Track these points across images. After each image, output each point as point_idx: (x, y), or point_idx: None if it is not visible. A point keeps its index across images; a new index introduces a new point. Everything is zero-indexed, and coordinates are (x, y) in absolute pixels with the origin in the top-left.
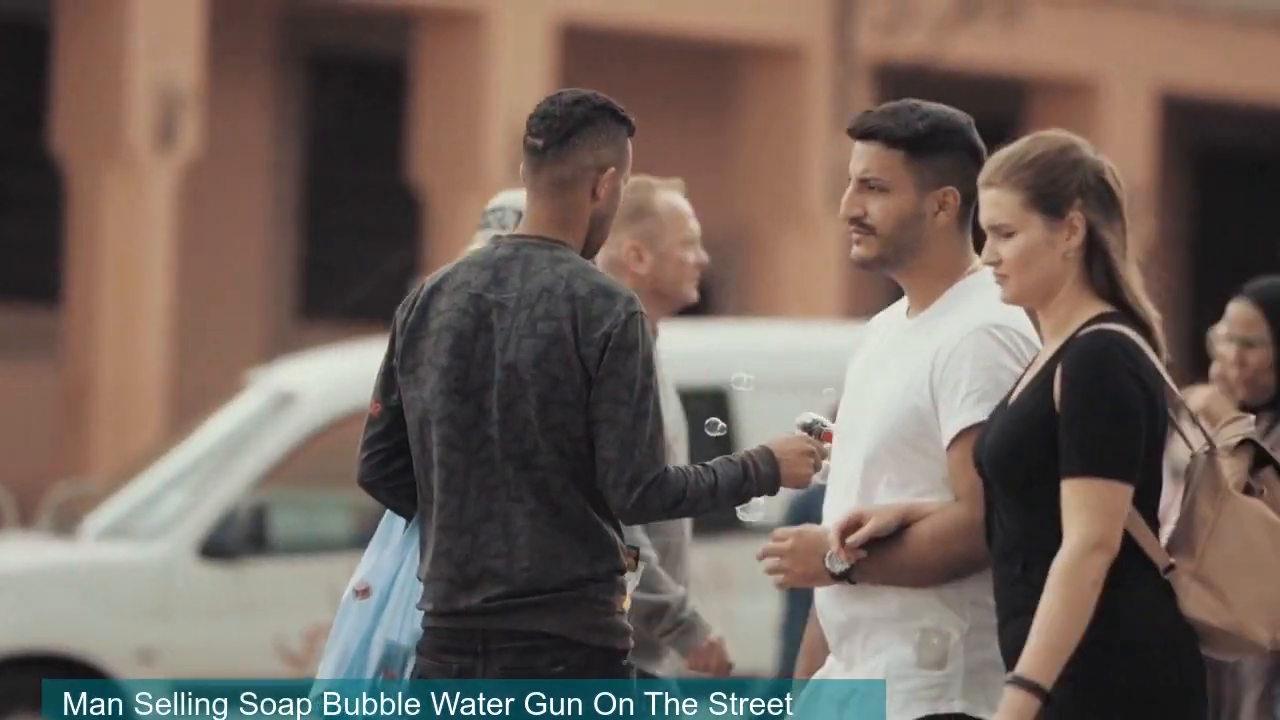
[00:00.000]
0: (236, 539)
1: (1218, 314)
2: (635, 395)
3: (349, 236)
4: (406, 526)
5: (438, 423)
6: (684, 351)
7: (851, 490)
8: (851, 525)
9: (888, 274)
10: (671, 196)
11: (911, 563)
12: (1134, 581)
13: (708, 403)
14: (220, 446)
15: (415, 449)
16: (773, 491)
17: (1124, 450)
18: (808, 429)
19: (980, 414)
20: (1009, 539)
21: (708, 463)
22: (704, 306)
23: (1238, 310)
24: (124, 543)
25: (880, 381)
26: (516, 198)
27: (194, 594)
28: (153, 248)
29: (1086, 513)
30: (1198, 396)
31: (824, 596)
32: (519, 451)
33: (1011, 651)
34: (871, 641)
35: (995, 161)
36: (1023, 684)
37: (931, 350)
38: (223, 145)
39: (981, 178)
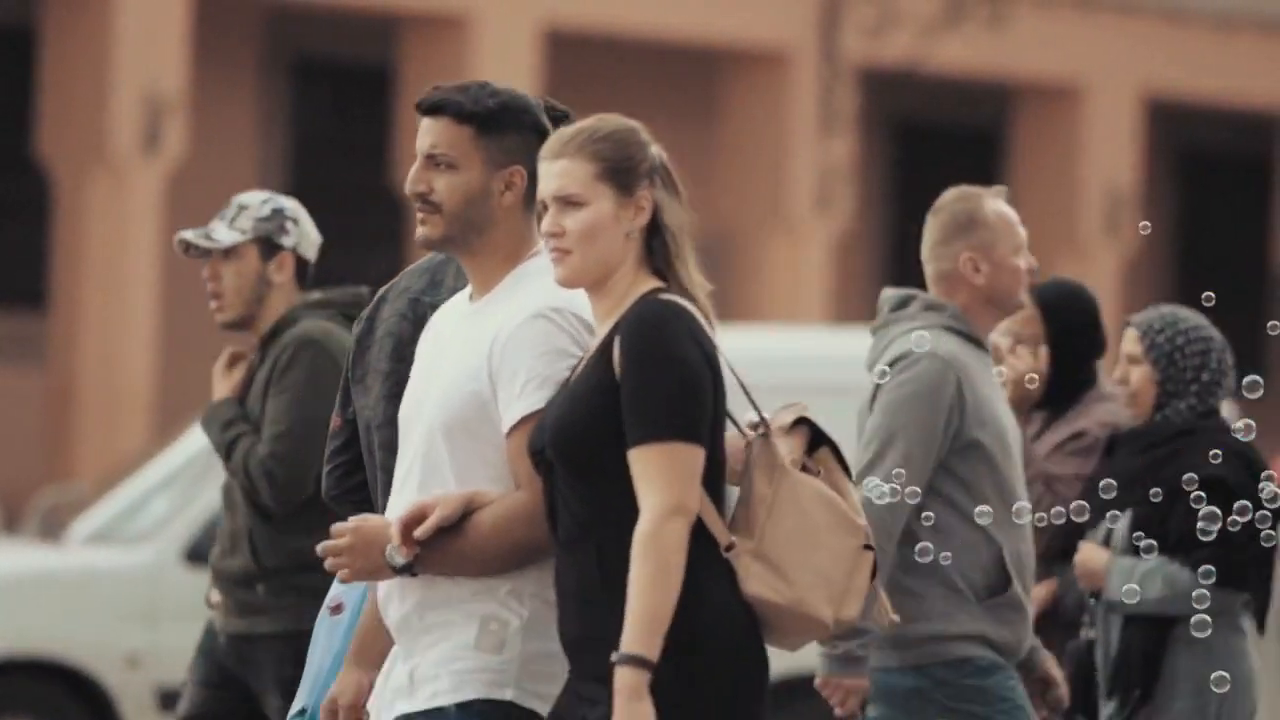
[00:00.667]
0: None
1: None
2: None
3: (334, 241)
4: None
5: (378, 429)
6: None
7: (412, 479)
8: (415, 518)
9: (452, 254)
10: (999, 204)
11: (473, 553)
12: (696, 563)
13: None
14: (206, 452)
15: (366, 458)
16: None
17: (690, 411)
18: (754, 427)
19: (538, 401)
20: (578, 524)
21: None
22: None
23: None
24: (110, 548)
25: (443, 367)
26: (246, 198)
27: (180, 598)
28: (138, 252)
29: (659, 479)
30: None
31: (385, 589)
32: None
33: (577, 640)
34: (432, 631)
35: (564, 135)
36: (628, 661)
37: (490, 336)
38: (208, 150)
39: (547, 150)
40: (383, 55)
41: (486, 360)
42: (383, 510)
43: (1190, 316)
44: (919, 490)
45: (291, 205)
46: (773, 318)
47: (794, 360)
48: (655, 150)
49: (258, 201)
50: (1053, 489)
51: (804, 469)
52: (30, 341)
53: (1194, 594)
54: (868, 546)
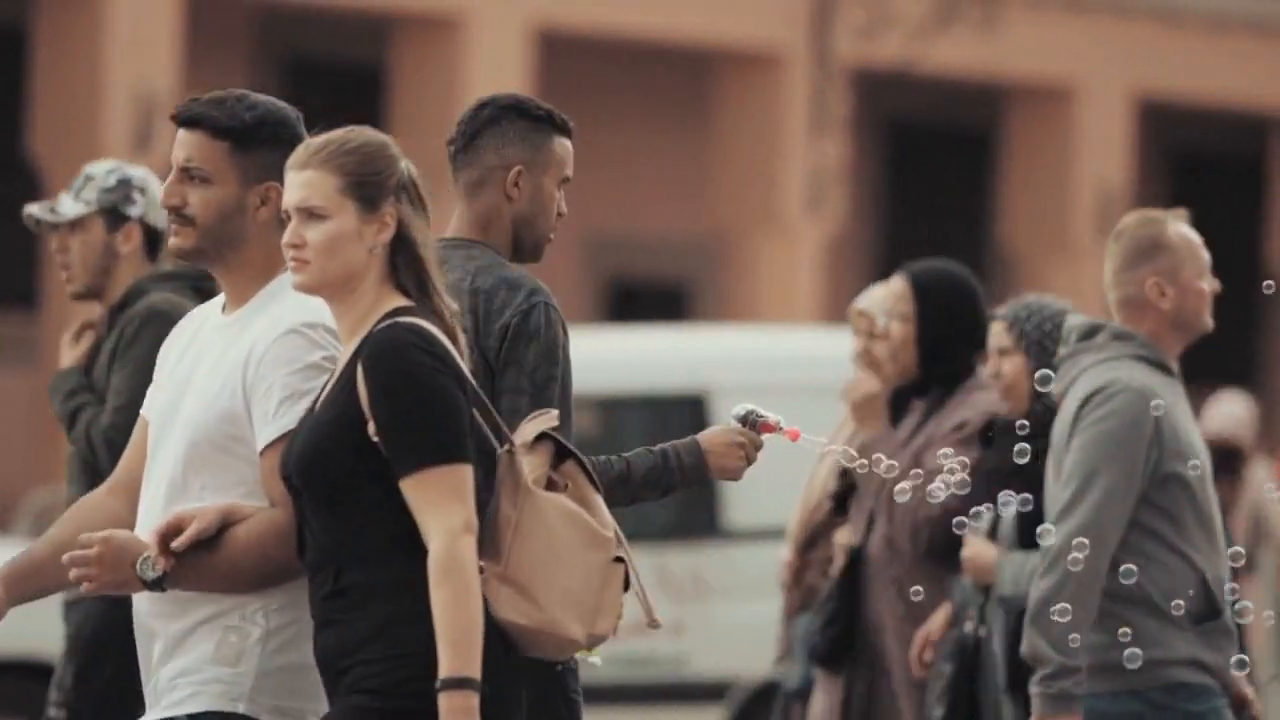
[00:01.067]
0: None
1: None
2: (537, 384)
3: None
4: None
5: None
6: (660, 356)
7: (162, 491)
8: (173, 530)
9: (205, 267)
10: (1181, 227)
11: (226, 568)
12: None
13: (685, 408)
14: None
15: None
16: (699, 482)
17: (452, 431)
18: (742, 420)
19: (291, 421)
20: (321, 550)
21: (623, 454)
22: (681, 311)
23: (893, 286)
24: None
25: (196, 380)
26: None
27: None
28: None
29: (442, 502)
30: (858, 386)
31: (140, 602)
32: None
33: (324, 662)
34: (178, 642)
35: (311, 146)
36: (451, 685)
37: (245, 351)
38: None
39: (293, 160)
40: (375, 56)
41: (241, 376)
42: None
43: (1055, 303)
44: (1088, 541)
45: (140, 174)
46: (765, 318)
47: (787, 361)
48: (405, 165)
49: (103, 172)
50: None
51: (551, 484)
52: (22, 342)
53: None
54: (618, 559)
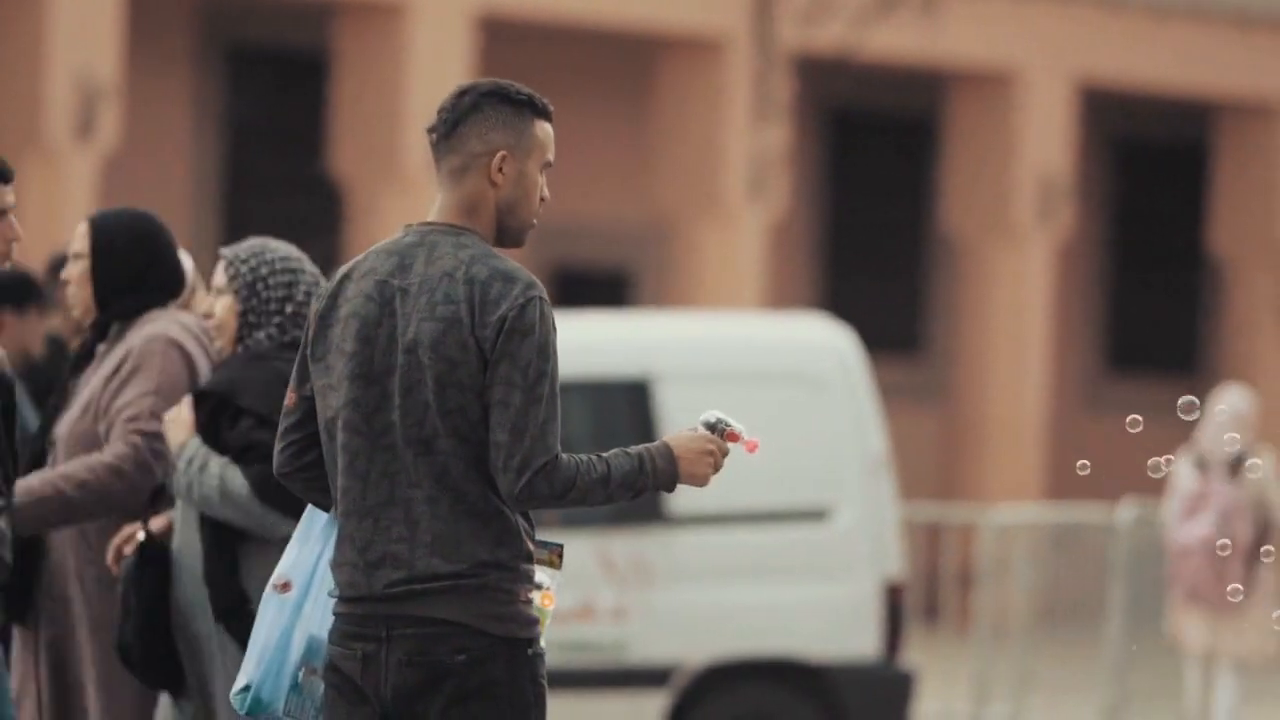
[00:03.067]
0: None
1: (1139, 305)
2: (529, 380)
3: (269, 228)
4: (328, 519)
5: (342, 408)
6: (603, 342)
7: None
8: None
9: None
10: None
11: None
12: None
13: (628, 393)
14: None
15: (324, 436)
16: (669, 488)
17: None
18: (711, 427)
19: None
20: None
21: (602, 454)
22: (622, 297)
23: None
24: None
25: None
26: None
27: None
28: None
29: None
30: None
31: None
32: (419, 437)
33: None
34: None
35: None
36: None
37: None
38: (142, 137)
39: None
40: (318, 42)
41: None
42: (338, 487)
43: (280, 247)
44: None
45: None
46: (707, 304)
47: (729, 347)
48: None
49: None
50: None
51: None
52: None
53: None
54: None
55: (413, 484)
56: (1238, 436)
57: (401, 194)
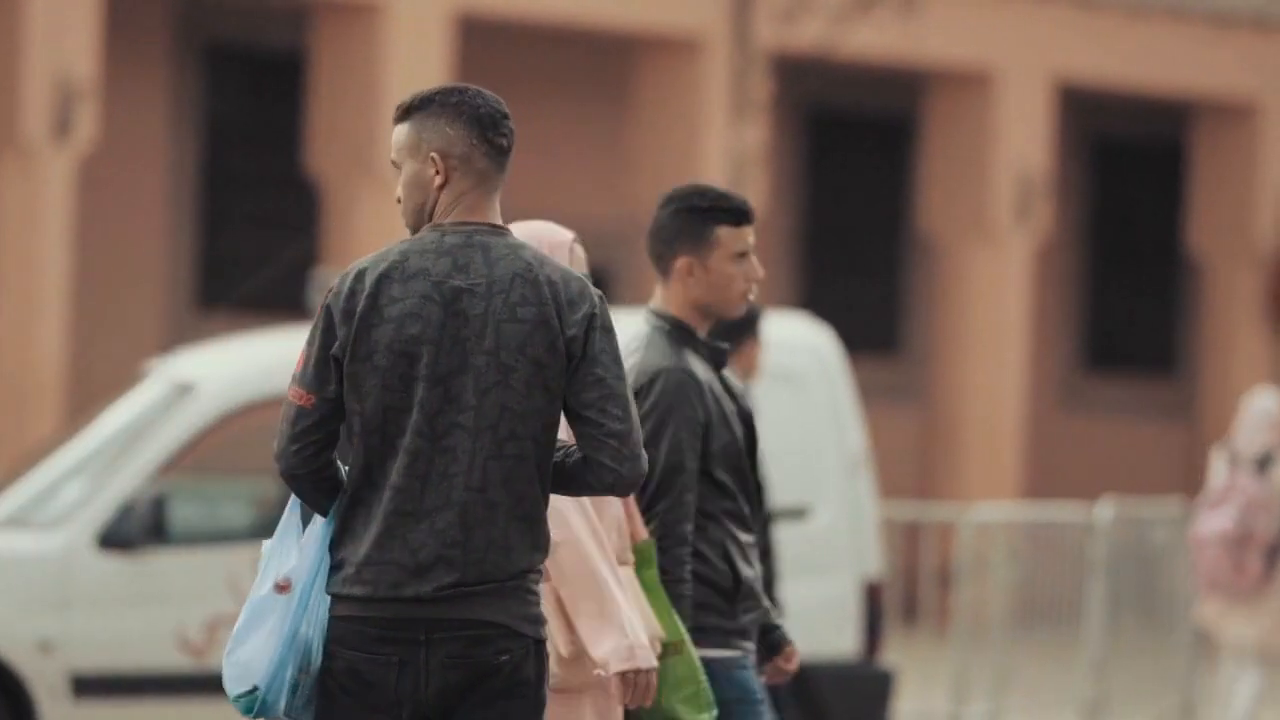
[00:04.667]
0: (135, 529)
1: (1117, 304)
2: (622, 372)
3: (246, 227)
4: (324, 520)
5: (404, 410)
6: None
7: None
8: None
9: None
10: None
11: None
12: None
13: None
14: (118, 436)
15: (372, 438)
16: None
17: None
18: None
19: None
20: None
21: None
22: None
23: None
24: (22, 533)
25: None
26: None
27: (93, 584)
28: (49, 239)
29: None
30: None
31: None
32: (493, 439)
33: None
34: None
35: None
36: None
37: None
38: (120, 136)
39: None
40: (295, 41)
41: None
42: (379, 486)
43: None
44: None
45: None
46: None
47: None
48: None
49: None
50: None
51: None
52: None
53: None
54: None
55: (474, 487)
56: (1265, 435)
57: (377, 192)
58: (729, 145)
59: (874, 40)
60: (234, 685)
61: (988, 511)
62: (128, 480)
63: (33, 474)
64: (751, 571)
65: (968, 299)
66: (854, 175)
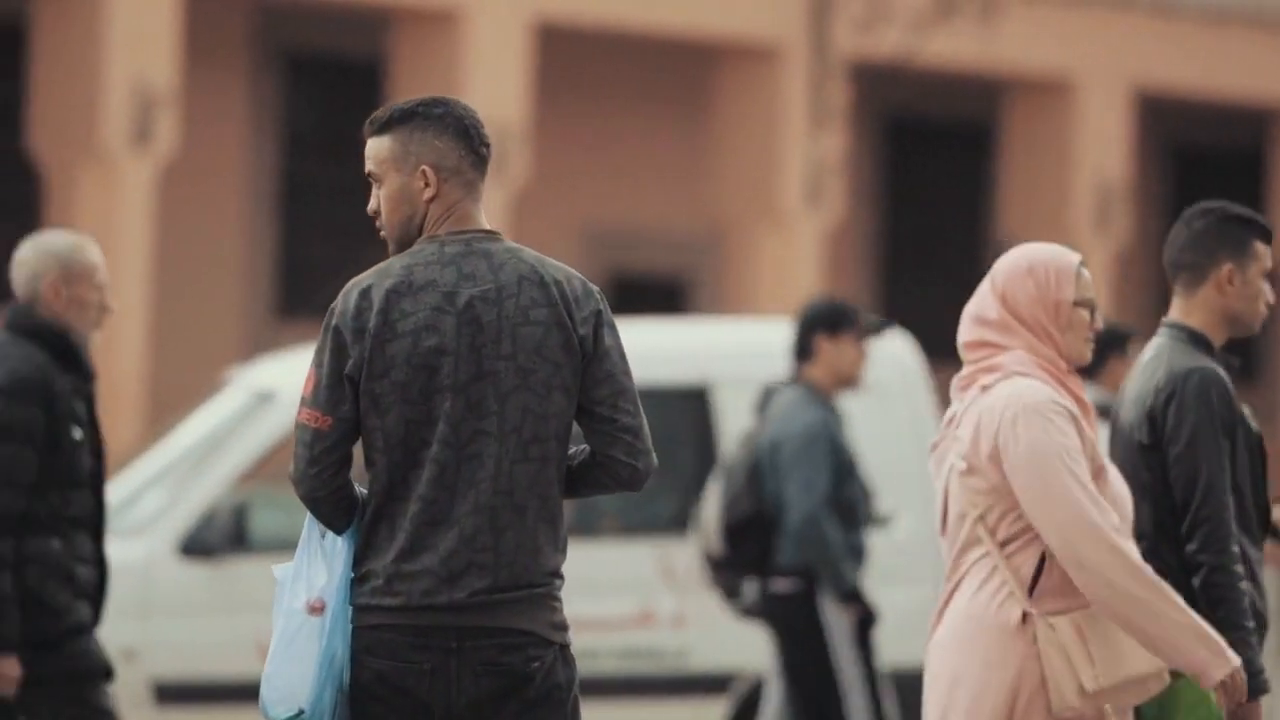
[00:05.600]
0: (216, 537)
1: None
2: (629, 368)
3: (326, 235)
4: (342, 536)
5: (426, 422)
6: (661, 349)
7: None
8: None
9: None
10: None
11: None
12: None
13: (686, 401)
14: (199, 445)
15: (395, 452)
16: None
17: None
18: None
19: None
20: None
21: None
22: (679, 304)
23: None
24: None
25: None
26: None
27: (174, 592)
28: (129, 247)
29: None
30: None
31: None
32: (517, 443)
33: None
34: None
35: None
36: None
37: None
38: (199, 145)
39: None
40: (374, 50)
41: None
42: (404, 498)
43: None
44: None
45: None
46: (763, 311)
47: (787, 354)
48: None
49: None
50: None
51: None
52: None
53: None
54: None
55: (502, 491)
56: None
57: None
58: (808, 154)
59: (952, 48)
60: (278, 708)
61: None
62: (209, 488)
63: (114, 482)
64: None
65: None
66: (933, 183)
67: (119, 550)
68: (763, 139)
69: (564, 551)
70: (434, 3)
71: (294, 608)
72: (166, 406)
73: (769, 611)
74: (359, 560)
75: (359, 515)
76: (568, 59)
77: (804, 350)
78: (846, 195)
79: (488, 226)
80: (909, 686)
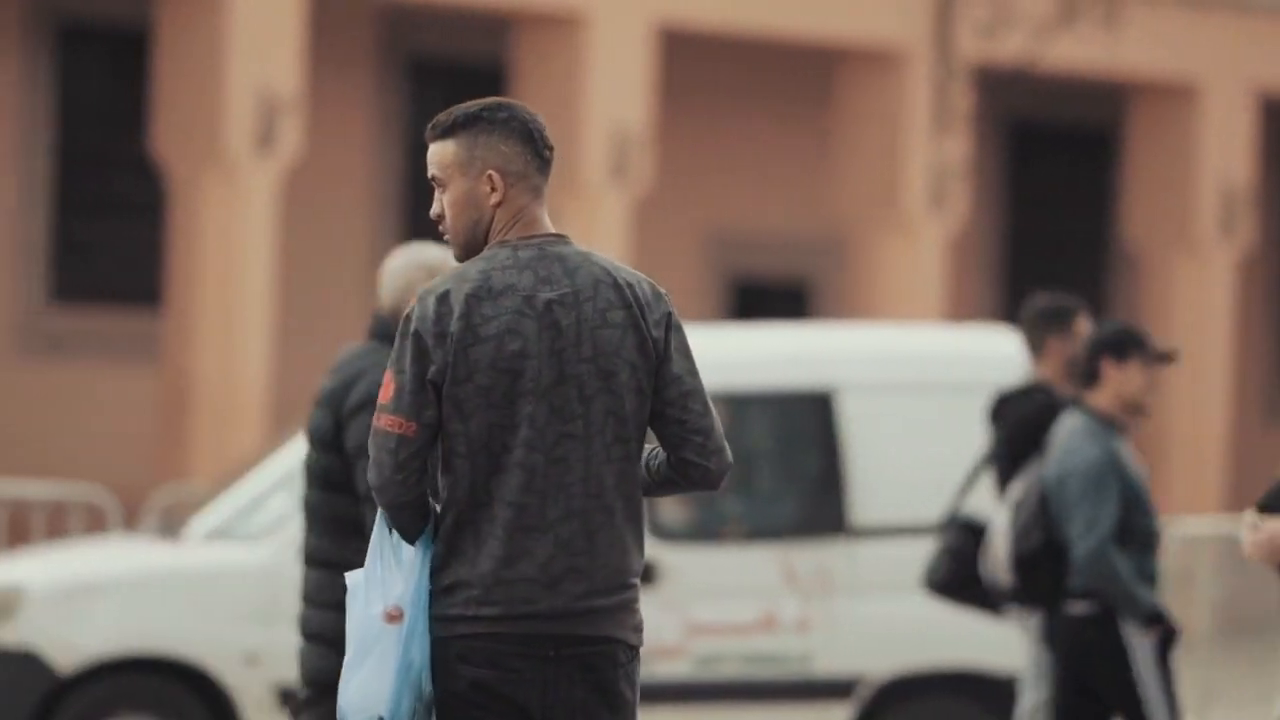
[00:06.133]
0: None
1: None
2: (697, 369)
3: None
4: (417, 543)
5: (509, 426)
6: (785, 354)
7: None
8: None
9: None
10: None
11: None
12: None
13: (810, 405)
14: None
15: (478, 457)
16: None
17: None
18: None
19: None
20: None
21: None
22: (802, 308)
23: None
24: (228, 546)
25: None
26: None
27: (299, 597)
28: (253, 251)
29: None
30: None
31: None
32: (603, 444)
33: None
34: None
35: None
36: None
37: None
38: (323, 149)
39: None
40: (498, 54)
41: None
42: (484, 504)
43: None
44: None
45: None
46: (887, 316)
47: (910, 359)
48: None
49: None
50: None
51: None
52: (146, 340)
53: None
54: None
55: (591, 494)
56: None
57: (582, 204)
58: (931, 158)
59: (1076, 52)
60: (357, 716)
61: (1193, 525)
62: None
63: (238, 487)
64: None
65: (1171, 311)
66: (1056, 188)
67: (243, 555)
68: (886, 143)
69: (642, 551)
70: (558, 6)
71: (371, 614)
72: (290, 411)
73: (1065, 636)
74: (442, 569)
75: (433, 524)
76: (690, 63)
77: (1090, 375)
78: (970, 200)
79: (554, 230)
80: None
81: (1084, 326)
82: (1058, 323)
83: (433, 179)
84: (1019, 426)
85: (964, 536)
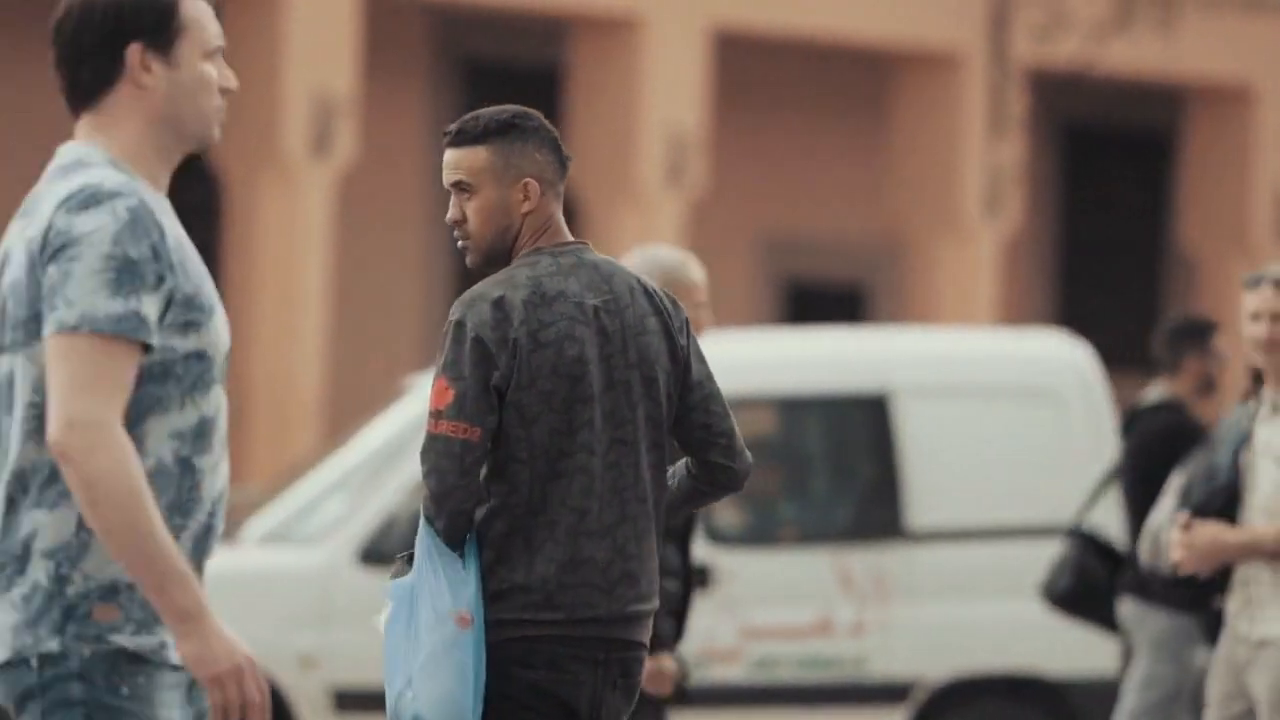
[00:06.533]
0: (396, 545)
1: None
2: (713, 373)
3: None
4: (466, 548)
5: (567, 431)
6: (841, 358)
7: None
8: None
9: None
10: None
11: None
12: None
13: (866, 409)
14: (379, 452)
15: (538, 462)
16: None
17: None
18: None
19: None
20: None
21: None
22: (857, 312)
23: None
24: (284, 549)
25: None
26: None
27: (355, 599)
28: (309, 255)
29: None
30: None
31: None
32: (646, 450)
33: None
34: None
35: None
36: None
37: None
38: (378, 152)
39: None
40: (552, 57)
41: None
42: (538, 510)
43: None
44: None
45: None
46: (942, 319)
47: (966, 362)
48: None
49: None
50: None
51: None
52: None
53: None
54: None
55: (639, 498)
56: None
57: (631, 202)
58: (986, 161)
59: (1132, 56)
60: None
61: None
62: (389, 496)
63: (294, 490)
64: None
65: (1228, 315)
66: (1112, 191)
67: (299, 558)
68: (941, 147)
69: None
70: (613, 9)
71: (443, 615)
72: (346, 414)
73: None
74: (493, 573)
75: (488, 526)
76: (746, 67)
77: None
78: (1025, 204)
79: (573, 238)
80: (1092, 697)
81: (1222, 344)
82: (1197, 340)
83: (456, 184)
84: (1147, 442)
85: (1087, 549)
